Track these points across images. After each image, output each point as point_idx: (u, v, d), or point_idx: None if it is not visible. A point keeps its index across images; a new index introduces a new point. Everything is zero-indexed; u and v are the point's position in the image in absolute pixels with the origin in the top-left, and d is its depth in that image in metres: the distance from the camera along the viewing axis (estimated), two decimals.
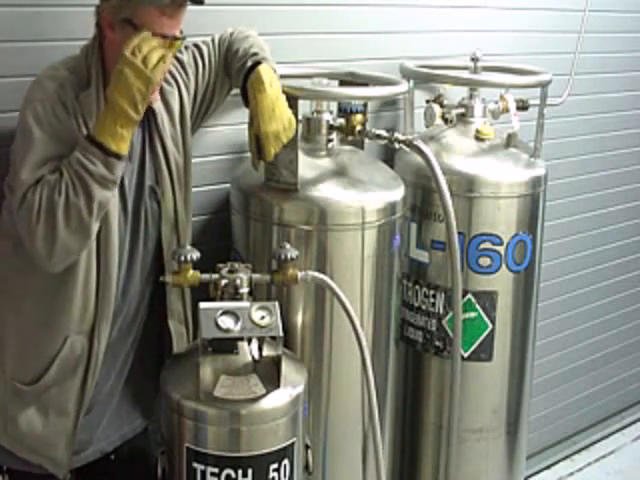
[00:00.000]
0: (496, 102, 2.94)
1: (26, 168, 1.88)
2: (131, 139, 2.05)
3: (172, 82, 2.20)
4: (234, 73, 2.26)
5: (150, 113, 2.15)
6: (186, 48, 2.27)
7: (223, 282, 2.09)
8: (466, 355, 2.86)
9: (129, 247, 2.12)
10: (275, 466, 2.03)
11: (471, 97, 2.94)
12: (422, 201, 2.84)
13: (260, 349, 2.06)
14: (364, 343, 2.21)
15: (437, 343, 2.89)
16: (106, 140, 1.88)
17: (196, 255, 2.10)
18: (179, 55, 2.23)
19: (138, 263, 2.15)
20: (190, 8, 2.48)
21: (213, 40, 2.34)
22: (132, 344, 2.21)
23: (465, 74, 2.94)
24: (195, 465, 2.02)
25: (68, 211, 1.86)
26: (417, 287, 2.91)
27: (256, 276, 2.15)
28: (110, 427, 2.22)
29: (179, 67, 2.23)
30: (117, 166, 1.90)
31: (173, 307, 2.23)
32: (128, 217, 2.09)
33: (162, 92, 2.16)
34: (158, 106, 2.16)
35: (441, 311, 2.86)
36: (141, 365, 2.24)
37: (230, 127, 2.69)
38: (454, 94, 3.05)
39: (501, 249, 2.82)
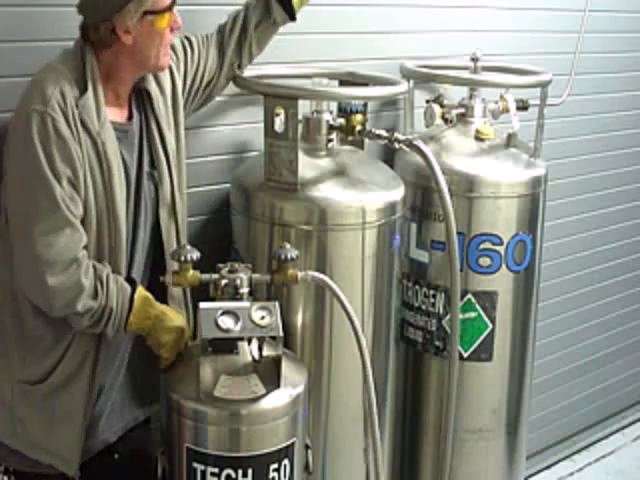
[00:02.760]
0: (496, 102, 2.94)
1: (42, 225, 1.92)
2: (132, 129, 2.10)
3: None
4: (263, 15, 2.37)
5: (145, 95, 2.16)
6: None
7: (223, 282, 2.09)
8: (466, 355, 2.86)
9: (131, 234, 2.12)
10: (275, 466, 2.03)
11: (471, 97, 2.94)
12: (422, 201, 2.84)
13: (260, 349, 2.06)
14: (364, 343, 2.21)
15: (437, 343, 2.89)
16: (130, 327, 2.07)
17: (196, 255, 2.10)
18: None
19: (139, 250, 2.16)
20: (190, 8, 2.50)
21: (202, 35, 2.38)
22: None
23: (465, 74, 2.94)
24: (195, 465, 2.02)
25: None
26: (417, 287, 2.91)
27: (256, 276, 2.15)
28: (113, 417, 2.22)
29: (170, 50, 2.25)
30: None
31: (173, 293, 2.23)
32: (130, 204, 2.10)
33: (156, 75, 2.19)
34: (153, 89, 2.17)
35: (441, 311, 2.86)
36: (141, 354, 2.24)
37: (230, 127, 2.69)
38: (454, 94, 3.05)
39: (501, 249, 2.82)
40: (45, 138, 1.90)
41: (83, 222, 1.98)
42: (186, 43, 2.32)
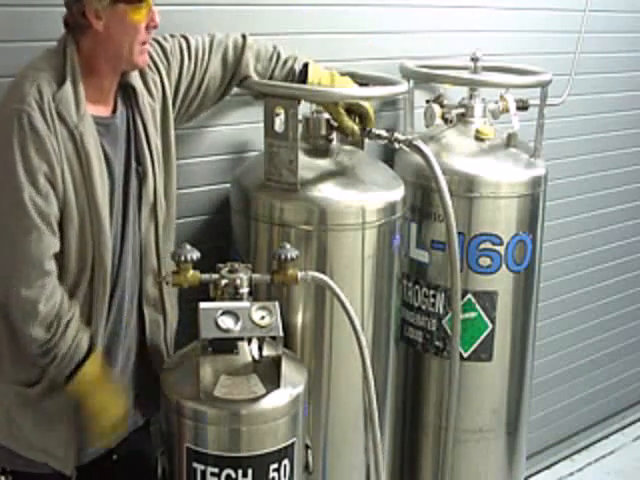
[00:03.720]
0: (496, 102, 2.94)
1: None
2: (115, 123, 2.08)
3: (153, 67, 2.19)
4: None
5: (131, 91, 2.14)
6: (172, 37, 2.28)
7: (223, 282, 2.10)
8: (466, 355, 2.86)
9: (120, 231, 2.10)
10: (275, 466, 2.03)
11: (471, 97, 2.94)
12: (422, 201, 2.84)
13: (260, 349, 2.06)
14: (364, 343, 2.21)
15: (437, 343, 2.89)
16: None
17: (196, 255, 2.09)
18: (162, 42, 2.24)
19: (129, 247, 2.13)
20: (188, 8, 2.49)
21: (204, 39, 2.33)
22: (125, 334, 2.17)
23: (465, 74, 2.94)
24: (195, 465, 2.02)
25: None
26: (417, 287, 2.91)
27: (256, 276, 2.15)
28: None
29: (161, 54, 2.22)
30: None
31: (149, 293, 2.21)
32: (116, 199, 2.07)
33: (143, 74, 2.16)
34: (139, 86, 2.15)
35: (441, 311, 2.86)
36: (140, 358, 2.23)
37: (230, 127, 2.69)
38: (454, 94, 3.05)
39: (501, 249, 2.82)
40: (22, 137, 1.89)
41: (63, 218, 1.97)
42: (183, 45, 2.28)
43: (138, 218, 2.15)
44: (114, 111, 2.11)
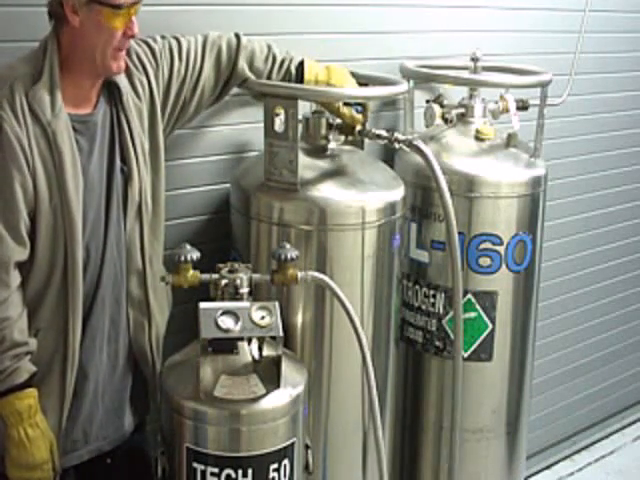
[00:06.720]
0: (496, 102, 2.94)
1: None
2: (94, 120, 2.06)
3: (140, 68, 2.18)
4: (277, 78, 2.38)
5: (115, 90, 2.12)
6: (163, 38, 2.26)
7: (223, 282, 2.10)
8: (466, 355, 2.86)
9: (103, 229, 2.09)
10: (275, 466, 2.04)
11: (471, 97, 2.94)
12: (422, 201, 2.84)
13: (260, 349, 2.07)
14: (364, 343, 2.21)
15: (437, 343, 2.89)
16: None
17: (196, 255, 2.10)
18: (152, 43, 2.22)
19: (113, 245, 2.11)
20: (188, 8, 2.49)
21: (197, 40, 2.30)
22: (110, 334, 2.16)
23: (465, 74, 2.94)
24: (195, 465, 2.02)
25: None
26: (417, 287, 2.91)
27: (256, 276, 2.15)
28: (106, 425, 2.19)
29: (149, 55, 2.21)
30: None
31: (134, 294, 2.19)
32: (94, 197, 2.06)
33: (129, 74, 2.15)
34: (124, 85, 2.13)
35: (441, 311, 2.86)
36: (130, 362, 2.22)
37: (230, 127, 2.69)
38: (454, 94, 3.05)
39: (501, 249, 2.82)
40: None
41: (36, 215, 1.96)
42: (174, 47, 2.25)
43: (123, 217, 2.13)
44: (95, 108, 2.09)
